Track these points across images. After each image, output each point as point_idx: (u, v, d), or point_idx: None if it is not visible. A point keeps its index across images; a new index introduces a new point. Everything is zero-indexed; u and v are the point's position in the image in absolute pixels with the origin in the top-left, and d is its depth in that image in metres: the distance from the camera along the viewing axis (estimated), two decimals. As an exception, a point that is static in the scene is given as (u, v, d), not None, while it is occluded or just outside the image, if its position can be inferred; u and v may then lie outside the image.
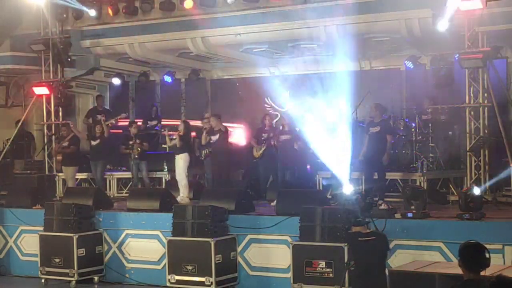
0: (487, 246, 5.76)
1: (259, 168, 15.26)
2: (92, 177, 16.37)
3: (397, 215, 11.29)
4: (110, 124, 16.59)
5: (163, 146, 17.20)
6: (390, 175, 14.05)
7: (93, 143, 15.86)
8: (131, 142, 15.55)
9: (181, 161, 14.40)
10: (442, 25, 12.83)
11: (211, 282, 11.59)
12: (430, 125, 14.66)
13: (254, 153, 15.07)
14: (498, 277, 4.90)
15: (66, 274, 12.86)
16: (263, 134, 14.95)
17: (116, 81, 18.50)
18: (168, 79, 18.40)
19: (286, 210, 11.94)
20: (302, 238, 11.15)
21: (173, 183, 15.29)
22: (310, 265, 10.84)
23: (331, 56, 17.01)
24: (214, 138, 14.52)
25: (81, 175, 16.62)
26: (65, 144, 15.95)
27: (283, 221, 11.80)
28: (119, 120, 17.21)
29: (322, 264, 10.76)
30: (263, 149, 14.79)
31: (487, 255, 5.63)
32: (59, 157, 16.19)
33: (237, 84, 18.77)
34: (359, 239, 8.17)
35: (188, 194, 14.35)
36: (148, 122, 17.89)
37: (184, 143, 14.53)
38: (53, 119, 16.94)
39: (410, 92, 16.63)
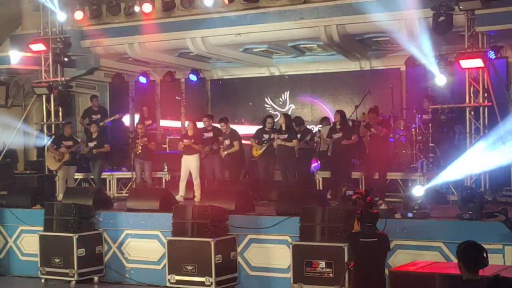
0: (487, 246, 5.79)
1: (258, 168, 15.28)
2: (91, 177, 16.38)
3: (397, 215, 11.30)
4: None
5: (163, 146, 17.22)
6: (390, 175, 14.08)
7: (90, 144, 15.83)
8: (137, 141, 15.55)
9: (195, 161, 14.58)
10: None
11: (211, 282, 11.59)
12: (430, 125, 14.66)
13: (253, 153, 15.12)
14: (495, 277, 4.92)
15: (66, 274, 12.85)
16: (264, 135, 15.00)
17: (117, 81, 18.57)
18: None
19: (286, 210, 11.94)
20: (302, 238, 11.15)
21: (173, 183, 15.30)
22: (310, 265, 10.84)
23: (331, 56, 17.08)
24: (226, 141, 15.00)
25: (79, 175, 16.61)
26: (69, 143, 15.89)
27: (283, 221, 11.80)
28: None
29: (322, 264, 10.76)
30: (263, 149, 14.83)
31: (485, 255, 5.65)
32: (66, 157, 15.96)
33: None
34: (361, 239, 8.16)
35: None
36: (144, 122, 17.86)
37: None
38: (53, 119, 16.94)
39: (410, 92, 16.65)
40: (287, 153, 14.50)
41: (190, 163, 14.59)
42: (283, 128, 14.71)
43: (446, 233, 10.56)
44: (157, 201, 13.25)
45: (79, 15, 16.45)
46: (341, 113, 14.43)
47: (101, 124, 16.67)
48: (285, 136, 14.53)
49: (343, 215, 10.81)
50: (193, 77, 18.46)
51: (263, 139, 14.97)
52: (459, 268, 5.63)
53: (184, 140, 14.71)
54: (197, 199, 14.33)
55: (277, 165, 14.92)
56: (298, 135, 14.69)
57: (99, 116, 17.28)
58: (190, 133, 14.83)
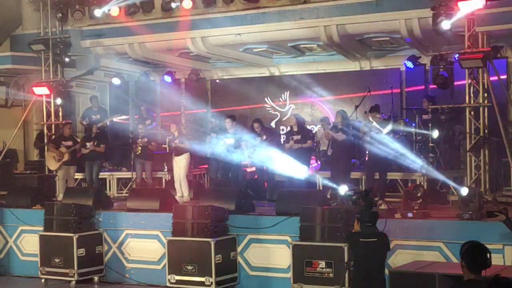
0: (487, 246, 5.77)
1: (257, 169, 15.28)
2: (84, 178, 16.33)
3: (397, 215, 11.31)
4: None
5: (163, 146, 17.20)
6: (390, 175, 14.05)
7: (88, 144, 15.82)
8: (137, 141, 15.58)
9: (185, 161, 14.67)
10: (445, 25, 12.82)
11: (211, 282, 11.60)
12: (430, 125, 14.64)
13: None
14: (495, 277, 4.91)
15: (66, 274, 12.86)
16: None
17: (116, 81, 18.46)
18: (167, 79, 18.36)
19: (286, 210, 11.94)
20: (302, 238, 11.16)
21: (173, 183, 15.30)
22: (310, 265, 10.85)
23: (331, 56, 17.07)
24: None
25: (79, 175, 16.60)
26: (69, 143, 15.88)
27: (283, 221, 11.81)
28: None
29: (322, 264, 10.77)
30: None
31: (488, 256, 5.65)
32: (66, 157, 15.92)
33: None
34: (361, 239, 8.16)
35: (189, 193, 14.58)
36: (145, 122, 17.83)
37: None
38: (53, 119, 16.94)
39: (410, 92, 16.64)
40: (302, 154, 14.46)
41: (179, 163, 14.66)
42: (295, 129, 14.67)
43: (446, 233, 10.57)
44: (157, 201, 13.26)
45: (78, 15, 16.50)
46: (342, 113, 14.41)
47: (99, 125, 16.66)
48: (299, 137, 14.49)
49: (343, 215, 10.82)
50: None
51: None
52: (461, 268, 5.63)
53: (172, 143, 14.89)
54: (185, 199, 14.38)
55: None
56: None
57: (98, 116, 17.26)
58: (176, 134, 14.95)
